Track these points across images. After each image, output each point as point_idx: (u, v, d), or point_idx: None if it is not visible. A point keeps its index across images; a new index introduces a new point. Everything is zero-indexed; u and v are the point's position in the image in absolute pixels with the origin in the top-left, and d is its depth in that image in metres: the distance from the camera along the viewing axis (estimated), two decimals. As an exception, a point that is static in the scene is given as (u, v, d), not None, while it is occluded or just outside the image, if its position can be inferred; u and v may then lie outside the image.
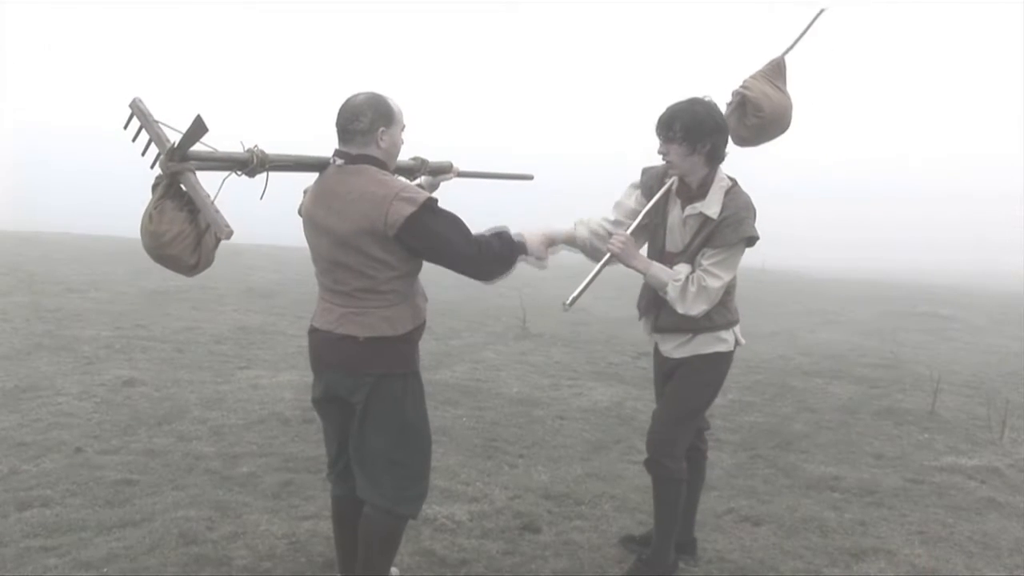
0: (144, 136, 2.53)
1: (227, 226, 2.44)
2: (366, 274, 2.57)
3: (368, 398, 2.62)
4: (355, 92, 2.63)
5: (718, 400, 3.48)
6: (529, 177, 3.62)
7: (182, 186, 2.49)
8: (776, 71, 3.30)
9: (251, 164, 2.55)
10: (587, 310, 11.35)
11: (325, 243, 2.60)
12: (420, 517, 3.37)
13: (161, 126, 2.51)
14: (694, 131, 2.87)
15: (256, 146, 2.56)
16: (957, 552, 3.55)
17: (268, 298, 10.27)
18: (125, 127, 2.56)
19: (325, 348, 2.68)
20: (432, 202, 2.54)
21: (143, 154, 2.56)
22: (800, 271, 21.52)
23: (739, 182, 3.03)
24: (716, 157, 2.95)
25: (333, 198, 2.58)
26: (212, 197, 2.47)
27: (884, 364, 8.07)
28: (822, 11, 3.33)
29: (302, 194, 2.77)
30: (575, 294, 2.86)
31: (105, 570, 3.04)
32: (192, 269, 2.58)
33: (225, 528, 3.43)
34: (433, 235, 2.53)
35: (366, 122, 2.57)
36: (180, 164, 2.45)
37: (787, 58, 3.33)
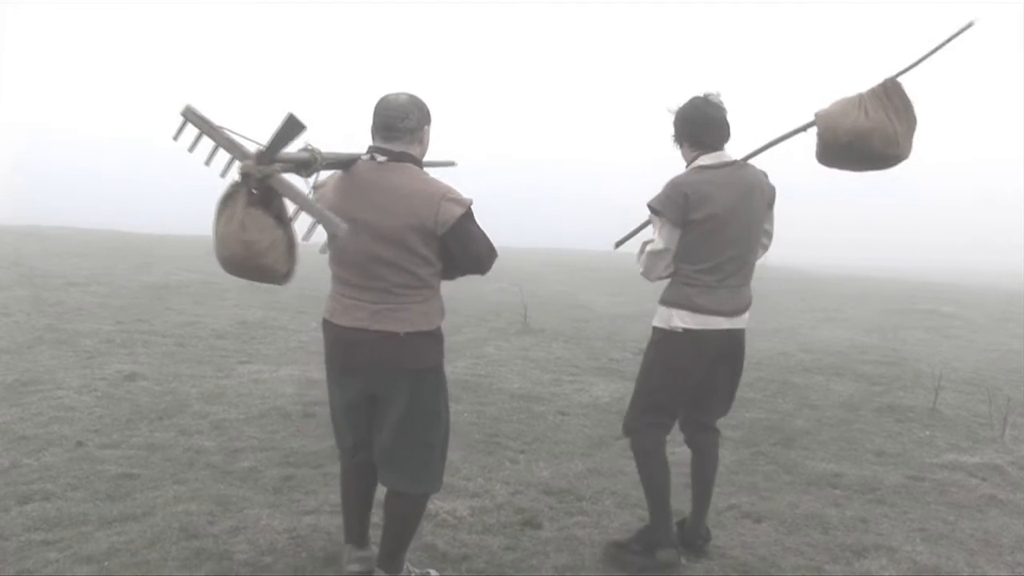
0: (204, 143, 2.41)
1: (341, 223, 2.36)
2: (407, 270, 2.59)
3: (412, 393, 2.66)
4: (394, 92, 2.66)
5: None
6: (452, 163, 3.66)
7: (269, 190, 2.39)
8: (879, 94, 2.98)
9: (313, 164, 2.49)
10: (588, 306, 11.36)
11: (364, 239, 2.57)
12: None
13: (225, 131, 2.39)
14: (673, 130, 3.21)
15: (309, 144, 2.49)
16: (958, 549, 3.55)
17: (269, 293, 10.26)
18: (176, 138, 2.43)
19: (359, 346, 2.66)
20: (471, 205, 2.64)
21: (207, 163, 2.45)
22: (801, 268, 21.50)
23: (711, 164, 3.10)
24: (692, 143, 3.14)
25: (376, 193, 2.57)
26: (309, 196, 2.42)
27: (885, 361, 8.06)
28: (970, 24, 2.95)
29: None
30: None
31: (106, 564, 3.04)
32: (285, 277, 2.51)
33: (226, 522, 3.43)
34: (471, 238, 2.63)
35: (414, 121, 2.63)
36: (270, 167, 2.36)
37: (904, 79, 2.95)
